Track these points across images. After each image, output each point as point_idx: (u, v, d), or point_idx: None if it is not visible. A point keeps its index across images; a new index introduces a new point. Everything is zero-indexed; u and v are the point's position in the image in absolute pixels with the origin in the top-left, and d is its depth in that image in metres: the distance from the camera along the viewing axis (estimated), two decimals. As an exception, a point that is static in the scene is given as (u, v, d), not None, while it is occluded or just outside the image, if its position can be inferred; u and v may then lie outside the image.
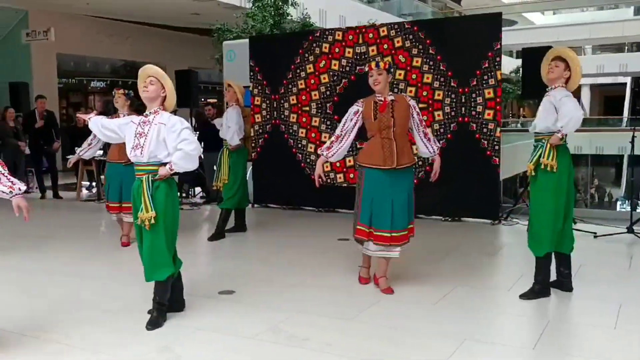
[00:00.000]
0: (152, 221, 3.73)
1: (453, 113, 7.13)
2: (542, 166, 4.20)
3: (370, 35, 7.62)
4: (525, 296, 4.26)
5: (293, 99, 8.22)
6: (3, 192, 3.30)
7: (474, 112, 7.02)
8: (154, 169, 3.79)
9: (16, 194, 3.31)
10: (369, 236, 4.43)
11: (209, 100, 18.96)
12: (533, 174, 4.29)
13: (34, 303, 4.36)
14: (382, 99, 4.38)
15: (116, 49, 16.62)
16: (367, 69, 4.57)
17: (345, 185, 7.88)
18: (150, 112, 3.85)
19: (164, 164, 3.79)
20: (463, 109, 7.08)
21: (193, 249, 6.02)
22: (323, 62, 7.95)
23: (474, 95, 6.99)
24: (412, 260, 5.22)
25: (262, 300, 4.35)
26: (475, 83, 6.95)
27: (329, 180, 7.97)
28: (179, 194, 9.75)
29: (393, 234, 4.37)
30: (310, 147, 8.15)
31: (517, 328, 3.88)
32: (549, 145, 4.17)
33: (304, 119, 8.17)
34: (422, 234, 6.67)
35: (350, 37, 7.76)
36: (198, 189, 10.24)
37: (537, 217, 4.29)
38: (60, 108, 16.07)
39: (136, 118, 3.93)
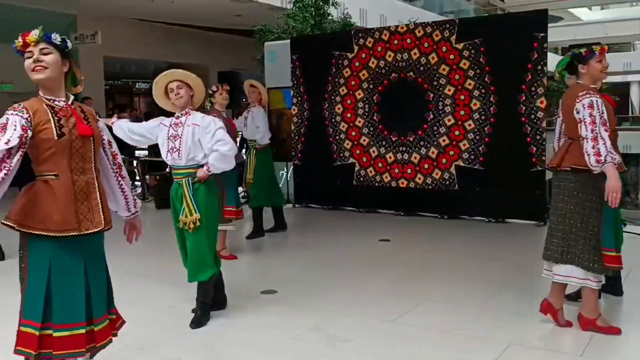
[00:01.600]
0: (197, 223, 3.75)
1: (485, 117, 7.06)
2: None
3: (417, 37, 7.56)
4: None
5: (337, 98, 8.22)
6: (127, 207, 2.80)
7: (520, 111, 6.88)
8: (193, 172, 3.80)
9: (135, 213, 2.87)
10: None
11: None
12: None
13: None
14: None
15: (160, 51, 16.93)
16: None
17: (392, 184, 7.84)
18: (181, 114, 3.83)
19: (202, 166, 3.79)
20: (506, 110, 6.96)
21: (235, 248, 6.08)
22: (363, 54, 7.93)
23: (522, 108, 6.87)
24: (455, 262, 5.15)
25: (303, 301, 4.36)
26: (524, 99, 6.86)
27: (373, 182, 7.95)
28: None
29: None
30: (347, 144, 8.16)
31: (564, 333, 3.77)
32: None
33: (348, 115, 8.15)
34: (465, 236, 6.61)
35: (396, 41, 7.72)
36: (240, 189, 10.33)
37: None
38: (107, 109, 16.49)
39: (166, 120, 3.89)
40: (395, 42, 7.71)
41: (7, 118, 2.36)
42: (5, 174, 2.29)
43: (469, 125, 7.21)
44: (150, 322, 3.93)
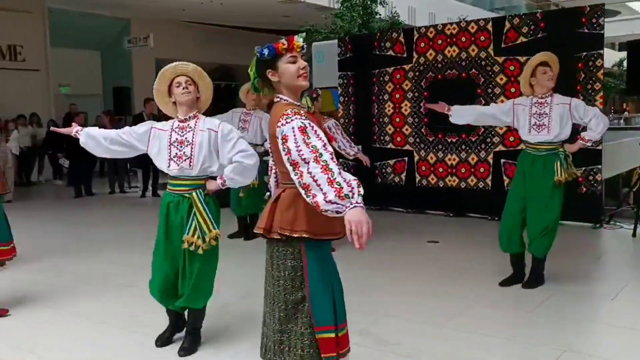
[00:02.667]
0: (213, 243, 3.31)
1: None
2: None
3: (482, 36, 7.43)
4: None
5: (385, 97, 8.16)
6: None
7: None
8: (202, 184, 3.35)
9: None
10: None
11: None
12: None
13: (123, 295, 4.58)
14: None
15: (209, 53, 17.21)
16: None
17: (440, 185, 7.74)
18: (189, 117, 3.35)
19: (212, 178, 3.37)
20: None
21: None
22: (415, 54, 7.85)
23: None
24: (506, 265, 5.02)
25: (349, 302, 4.30)
26: (581, 99, 6.63)
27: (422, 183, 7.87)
28: (268, 194, 9.97)
29: None
30: (391, 146, 8.11)
31: (621, 341, 3.62)
32: None
33: (397, 120, 8.08)
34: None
35: (440, 41, 7.62)
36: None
37: None
38: (159, 110, 16.90)
39: (159, 124, 3.41)
40: (440, 41, 7.60)
41: (304, 122, 2.22)
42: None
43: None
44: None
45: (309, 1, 14.04)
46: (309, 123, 2.24)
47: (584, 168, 6.61)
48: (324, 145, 2.18)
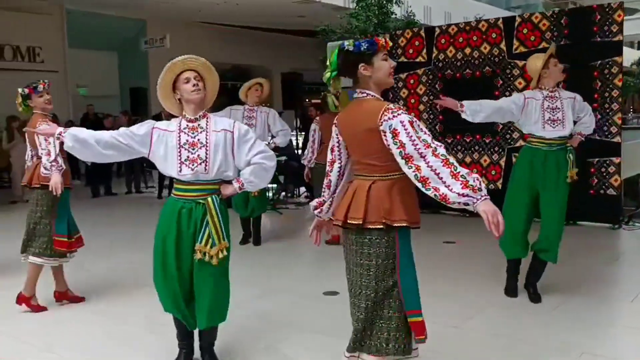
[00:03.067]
0: (224, 253, 3.05)
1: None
2: None
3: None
4: None
5: (400, 103, 8.13)
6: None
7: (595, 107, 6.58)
8: (217, 188, 3.09)
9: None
10: None
11: (313, 101, 19.27)
12: None
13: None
14: None
15: (225, 53, 17.26)
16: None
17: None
18: (199, 116, 3.08)
19: (227, 181, 3.13)
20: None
21: (298, 250, 6.11)
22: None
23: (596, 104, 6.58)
24: (524, 266, 4.97)
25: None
26: (597, 96, 6.57)
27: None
28: (284, 193, 9.99)
29: None
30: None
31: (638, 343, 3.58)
32: None
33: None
34: (535, 239, 6.36)
35: (460, 39, 7.57)
36: (302, 189, 10.42)
37: None
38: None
39: (162, 124, 3.10)
40: (461, 39, 7.57)
41: (411, 117, 2.36)
42: None
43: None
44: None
45: (324, 1, 14.03)
46: (414, 117, 2.37)
47: (597, 159, 6.54)
48: (432, 139, 2.32)
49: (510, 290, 4.40)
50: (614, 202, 6.65)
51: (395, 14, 13.15)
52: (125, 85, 15.85)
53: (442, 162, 2.27)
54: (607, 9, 6.55)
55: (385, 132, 2.34)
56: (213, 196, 3.04)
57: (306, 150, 6.51)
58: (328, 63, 2.53)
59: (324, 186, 2.73)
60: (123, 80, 16.50)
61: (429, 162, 2.27)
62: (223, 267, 3.10)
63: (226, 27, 16.97)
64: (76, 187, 12.67)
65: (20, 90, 4.34)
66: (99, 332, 3.89)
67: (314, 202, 2.81)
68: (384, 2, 12.70)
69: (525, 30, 7.00)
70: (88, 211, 9.21)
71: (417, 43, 7.93)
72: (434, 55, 7.76)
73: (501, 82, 7.23)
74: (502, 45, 7.21)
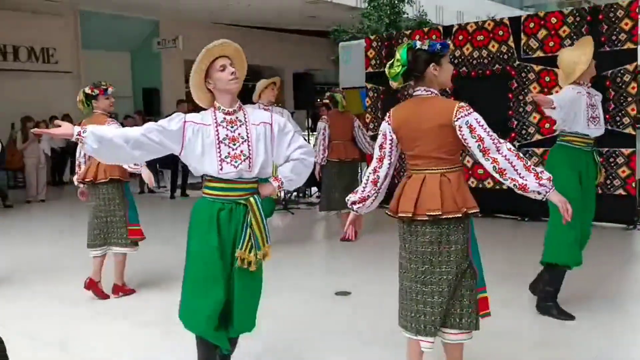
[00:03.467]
0: (269, 256, 2.80)
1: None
2: None
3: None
4: None
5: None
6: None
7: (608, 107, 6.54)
8: (256, 187, 2.79)
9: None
10: None
11: (324, 101, 19.29)
12: None
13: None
14: None
15: (237, 54, 17.31)
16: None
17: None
18: (236, 108, 2.77)
19: (264, 180, 2.83)
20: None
21: (308, 249, 6.11)
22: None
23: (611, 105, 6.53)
24: (536, 267, 4.94)
25: (378, 303, 4.31)
26: (612, 95, 6.54)
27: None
28: (295, 193, 10.00)
29: None
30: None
31: (658, 345, 3.54)
32: None
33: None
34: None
35: (480, 37, 7.54)
36: (314, 189, 10.42)
37: None
38: (188, 111, 17.06)
39: (193, 116, 2.75)
40: (480, 37, 7.53)
41: (478, 115, 2.58)
42: None
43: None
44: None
45: (335, 1, 14.03)
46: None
47: (607, 148, 6.47)
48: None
49: (563, 311, 3.96)
50: (628, 202, 6.58)
51: (407, 14, 13.13)
52: (138, 86, 15.93)
53: (515, 156, 2.54)
54: (614, 19, 6.52)
55: (461, 128, 2.54)
56: (255, 196, 2.76)
57: (316, 149, 6.52)
58: (396, 59, 2.65)
59: (366, 182, 2.80)
60: (136, 81, 16.59)
61: (505, 155, 2.53)
62: (261, 271, 2.84)
63: (238, 28, 17.02)
64: (89, 187, 12.81)
65: (86, 89, 4.59)
66: (112, 329, 3.92)
67: (355, 198, 2.86)
68: (396, 1, 12.69)
69: (543, 33, 6.94)
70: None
71: (434, 37, 7.90)
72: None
73: (515, 84, 7.19)
74: (510, 42, 7.17)
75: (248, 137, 2.72)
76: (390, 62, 2.70)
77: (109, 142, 2.58)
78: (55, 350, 3.61)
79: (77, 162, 4.74)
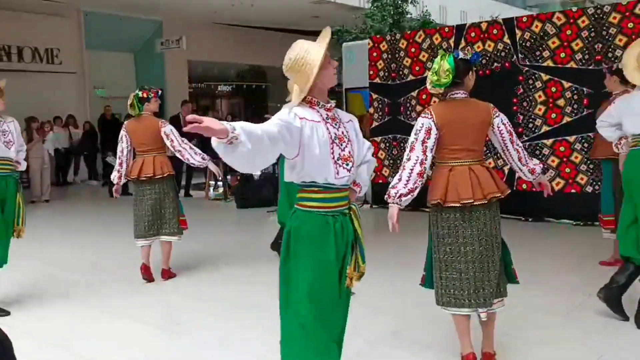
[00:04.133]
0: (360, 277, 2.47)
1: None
2: None
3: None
4: None
5: (418, 92, 8.10)
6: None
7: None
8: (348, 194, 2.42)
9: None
10: None
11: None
12: None
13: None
14: None
15: (240, 54, 17.34)
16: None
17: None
18: (326, 104, 2.38)
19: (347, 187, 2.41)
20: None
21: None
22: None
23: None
24: (541, 268, 4.94)
25: (382, 304, 4.32)
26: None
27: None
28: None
29: None
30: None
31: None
32: None
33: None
34: (551, 240, 6.31)
35: (472, 33, 7.52)
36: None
37: None
38: (191, 112, 17.08)
39: (299, 110, 2.28)
40: (495, 31, 7.52)
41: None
42: None
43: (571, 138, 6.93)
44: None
45: (339, 1, 14.03)
46: None
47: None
48: None
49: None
50: None
51: (411, 14, 13.11)
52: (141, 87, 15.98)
53: (522, 147, 3.16)
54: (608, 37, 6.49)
55: (497, 124, 3.02)
56: (355, 204, 2.43)
57: None
58: (445, 69, 2.95)
59: (410, 174, 2.98)
60: (139, 82, 16.59)
61: (521, 146, 3.12)
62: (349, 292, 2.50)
63: (241, 28, 17.03)
64: (93, 188, 12.82)
65: (138, 92, 5.05)
66: (116, 329, 3.92)
67: (403, 190, 3.02)
68: (400, 1, 12.68)
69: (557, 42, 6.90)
70: (106, 210, 9.28)
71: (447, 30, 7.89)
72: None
73: (522, 90, 7.17)
74: (506, 40, 7.15)
75: (349, 136, 2.37)
76: (434, 70, 3.01)
77: (259, 141, 2.03)
78: (60, 350, 3.62)
79: (118, 160, 5.00)
